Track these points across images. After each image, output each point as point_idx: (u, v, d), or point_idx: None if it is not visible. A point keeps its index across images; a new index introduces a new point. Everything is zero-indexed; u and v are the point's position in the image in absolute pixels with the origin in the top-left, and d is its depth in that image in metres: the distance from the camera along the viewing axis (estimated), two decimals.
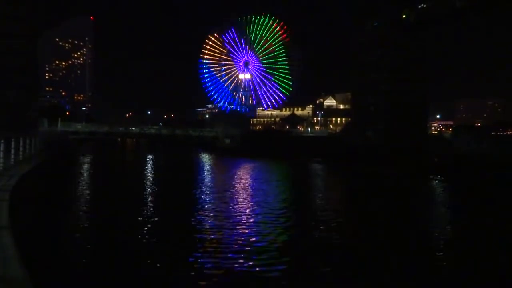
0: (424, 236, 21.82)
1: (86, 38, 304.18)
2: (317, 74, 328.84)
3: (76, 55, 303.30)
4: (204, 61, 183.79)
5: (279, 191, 38.03)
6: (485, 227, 23.48)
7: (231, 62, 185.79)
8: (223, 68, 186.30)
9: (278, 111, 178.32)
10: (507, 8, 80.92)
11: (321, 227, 22.26)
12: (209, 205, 27.96)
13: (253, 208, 27.20)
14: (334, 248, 18.56)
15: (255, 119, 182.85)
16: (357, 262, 16.60)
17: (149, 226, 21.42)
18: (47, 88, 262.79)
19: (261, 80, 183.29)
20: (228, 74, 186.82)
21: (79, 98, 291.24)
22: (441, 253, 18.49)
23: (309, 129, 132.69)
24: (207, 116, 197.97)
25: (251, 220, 23.50)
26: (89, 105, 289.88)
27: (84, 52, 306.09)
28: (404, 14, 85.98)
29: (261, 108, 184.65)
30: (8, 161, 20.96)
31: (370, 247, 18.84)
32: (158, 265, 15.31)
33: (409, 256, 17.76)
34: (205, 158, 79.93)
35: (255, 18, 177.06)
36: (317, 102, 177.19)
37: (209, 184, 41.53)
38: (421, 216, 27.55)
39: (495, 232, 22.34)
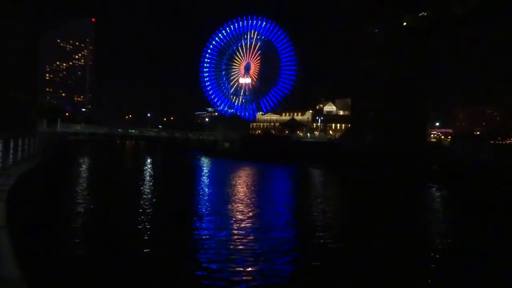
0: (419, 243, 21.80)
1: (87, 40, 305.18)
2: (317, 80, 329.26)
3: (77, 56, 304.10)
4: (205, 64, 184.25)
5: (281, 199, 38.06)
6: (482, 236, 23.47)
7: (231, 66, 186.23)
8: (223, 72, 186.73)
9: (278, 115, 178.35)
10: (502, 18, 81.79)
11: (320, 233, 22.24)
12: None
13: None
14: (332, 252, 18.56)
15: (254, 123, 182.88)
16: (355, 266, 16.61)
17: (141, 225, 21.43)
18: (47, 89, 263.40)
19: (261, 85, 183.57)
20: (229, 78, 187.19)
21: (79, 99, 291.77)
22: (435, 261, 18.45)
23: (309, 134, 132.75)
24: (206, 119, 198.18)
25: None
26: (89, 106, 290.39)
27: (85, 53, 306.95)
28: (404, 22, 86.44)
29: (260, 113, 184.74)
30: (6, 161, 20.94)
31: (367, 253, 18.84)
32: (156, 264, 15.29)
33: (406, 261, 17.75)
34: (205, 162, 79.81)
35: (257, 22, 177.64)
36: (317, 107, 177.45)
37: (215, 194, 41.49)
38: (416, 223, 27.54)
39: (492, 240, 22.34)
